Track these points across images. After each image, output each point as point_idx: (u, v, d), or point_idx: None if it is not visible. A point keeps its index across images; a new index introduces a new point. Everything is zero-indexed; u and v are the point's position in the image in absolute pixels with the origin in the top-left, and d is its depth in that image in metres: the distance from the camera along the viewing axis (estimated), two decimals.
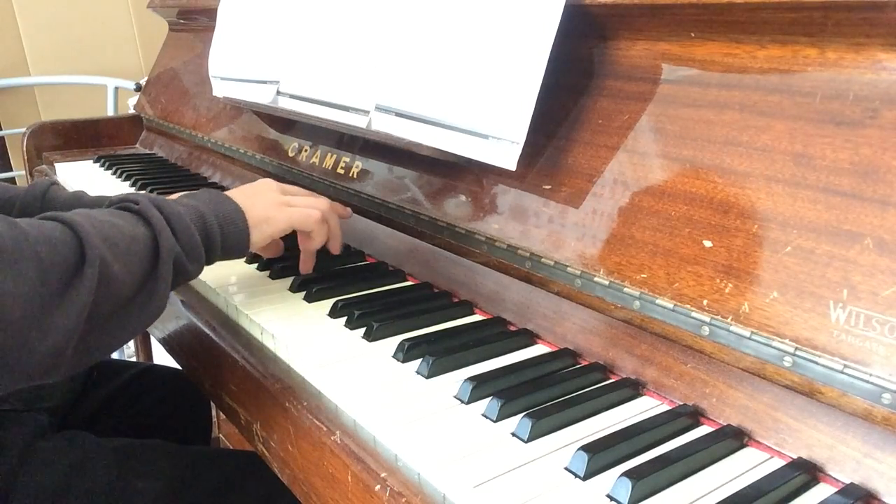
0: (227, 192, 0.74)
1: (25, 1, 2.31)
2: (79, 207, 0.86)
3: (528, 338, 0.69)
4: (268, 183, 0.79)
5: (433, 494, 0.49)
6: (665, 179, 0.61)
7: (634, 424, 0.55)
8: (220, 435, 1.68)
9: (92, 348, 0.56)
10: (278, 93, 1.02)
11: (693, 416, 0.57)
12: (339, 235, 0.82)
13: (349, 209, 0.87)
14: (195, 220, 0.67)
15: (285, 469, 0.63)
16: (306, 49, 0.99)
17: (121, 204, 0.65)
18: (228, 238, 0.70)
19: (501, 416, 0.56)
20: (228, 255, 0.71)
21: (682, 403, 0.58)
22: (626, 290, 0.60)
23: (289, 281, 0.80)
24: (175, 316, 0.81)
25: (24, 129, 1.48)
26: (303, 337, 0.68)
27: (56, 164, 1.40)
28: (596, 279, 0.62)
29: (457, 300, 0.77)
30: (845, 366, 0.48)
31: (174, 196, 0.88)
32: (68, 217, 0.56)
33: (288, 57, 1.02)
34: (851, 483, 0.49)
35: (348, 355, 0.65)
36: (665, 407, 0.59)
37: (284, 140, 1.08)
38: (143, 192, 0.67)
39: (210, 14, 1.28)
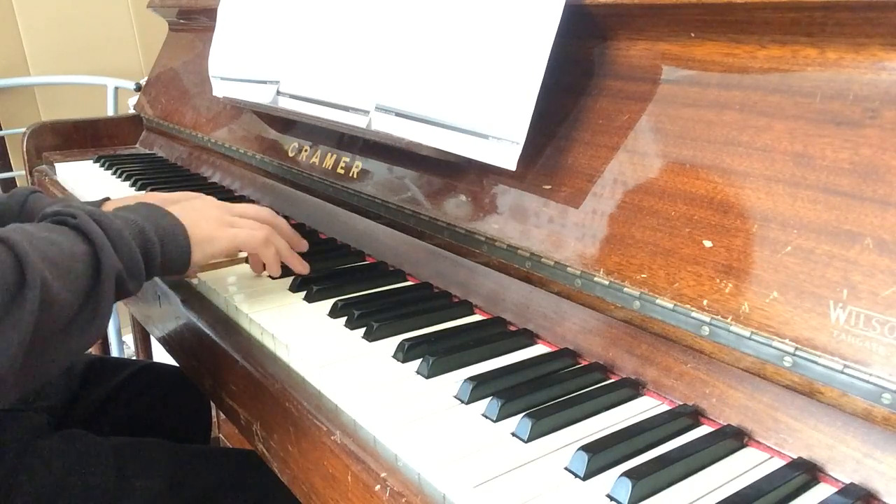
0: (169, 208, 0.70)
1: (25, 1, 2.31)
2: None
3: (528, 338, 0.69)
4: (212, 201, 0.76)
5: (433, 494, 0.49)
6: (665, 179, 0.61)
7: (634, 424, 0.55)
8: (220, 435, 1.68)
9: (33, 372, 0.53)
10: (278, 93, 1.02)
11: (693, 416, 0.57)
12: (294, 257, 0.78)
13: (304, 242, 0.83)
14: (135, 234, 0.63)
15: (285, 469, 0.63)
16: (306, 49, 0.99)
17: (57, 217, 0.61)
18: (169, 255, 0.66)
19: (501, 416, 0.56)
20: (167, 272, 0.68)
21: (682, 403, 0.58)
22: (626, 290, 0.60)
23: (289, 281, 0.80)
24: (175, 316, 0.81)
25: (24, 129, 1.48)
26: (303, 337, 0.68)
27: (56, 164, 1.39)
28: (596, 279, 0.62)
29: (457, 300, 0.77)
30: (845, 366, 0.48)
31: (111, 208, 0.85)
32: (4, 235, 0.53)
33: (288, 57, 1.02)
34: (851, 483, 0.49)
35: (348, 355, 0.65)
36: (665, 407, 0.59)
37: (284, 140, 1.08)
38: (79, 202, 0.63)
39: (210, 14, 1.28)
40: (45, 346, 0.54)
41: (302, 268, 0.79)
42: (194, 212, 0.72)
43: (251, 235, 0.74)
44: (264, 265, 0.81)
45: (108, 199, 0.88)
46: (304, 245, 0.83)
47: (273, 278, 0.81)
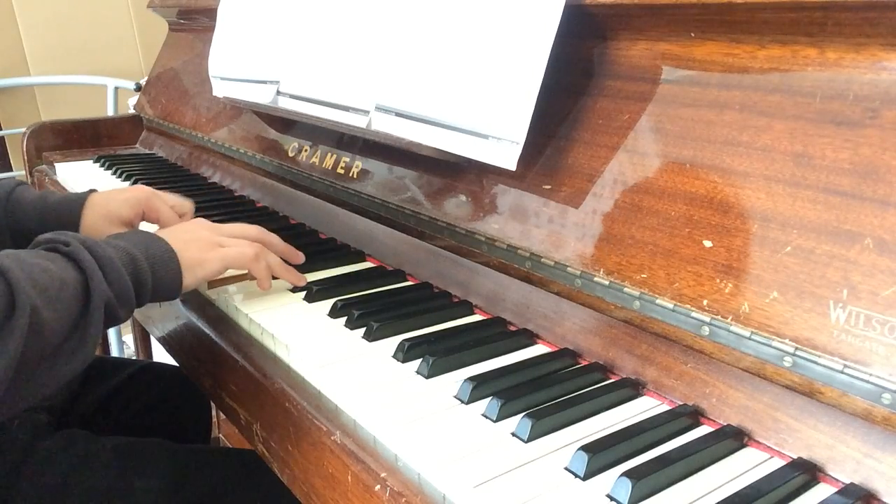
0: (158, 233, 0.71)
1: (25, 1, 2.31)
2: (44, 209, 0.86)
3: (528, 338, 0.69)
4: (201, 223, 0.77)
5: (433, 494, 0.49)
6: (665, 179, 0.61)
7: (634, 424, 0.55)
8: (220, 435, 1.68)
9: (20, 396, 0.54)
10: (278, 93, 1.02)
11: (693, 416, 0.57)
12: (288, 271, 0.78)
13: (300, 254, 0.83)
14: (126, 262, 0.64)
15: (285, 469, 0.63)
16: (306, 49, 0.99)
17: (50, 244, 0.62)
18: (160, 281, 0.67)
19: (501, 416, 0.56)
20: (159, 298, 0.68)
21: (682, 403, 0.58)
22: (626, 290, 0.60)
23: None
24: (175, 315, 0.81)
25: (24, 129, 1.48)
26: (303, 337, 0.68)
27: (56, 164, 1.40)
28: (596, 279, 0.62)
29: (457, 300, 0.77)
30: (845, 366, 0.48)
31: (97, 200, 0.87)
32: None
33: (288, 57, 1.02)
34: (851, 483, 0.49)
35: (348, 355, 0.65)
36: (665, 407, 0.59)
37: (284, 140, 1.08)
38: (72, 232, 0.64)
39: (210, 14, 1.28)
40: (32, 372, 0.54)
41: (297, 280, 0.79)
42: (184, 235, 0.72)
43: (241, 253, 0.74)
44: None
45: (93, 190, 0.89)
46: (299, 257, 0.83)
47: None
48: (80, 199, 0.87)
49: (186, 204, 0.92)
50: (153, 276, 0.66)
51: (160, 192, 0.90)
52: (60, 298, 0.56)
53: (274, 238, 0.80)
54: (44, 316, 0.54)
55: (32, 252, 0.61)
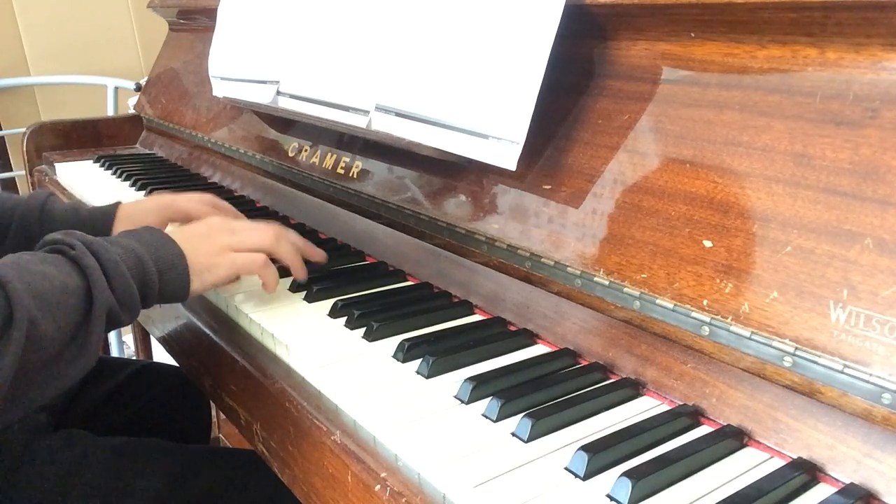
0: (171, 233, 0.70)
1: (25, 1, 2.31)
2: (76, 220, 0.87)
3: (528, 338, 0.69)
4: (214, 223, 0.75)
5: (433, 494, 0.49)
6: (665, 179, 0.61)
7: (634, 424, 0.55)
8: (220, 435, 1.68)
9: (18, 403, 0.54)
10: (278, 93, 1.02)
11: (693, 416, 0.57)
12: (297, 262, 0.78)
13: (322, 252, 0.83)
14: (133, 265, 0.63)
15: (285, 469, 0.63)
16: (306, 49, 0.99)
17: (56, 246, 0.62)
18: (167, 286, 0.66)
19: (501, 416, 0.56)
20: (165, 301, 0.68)
21: (682, 403, 0.58)
22: (626, 290, 0.60)
23: (289, 280, 0.80)
24: (175, 315, 0.81)
25: (24, 129, 1.48)
26: (303, 337, 0.68)
27: (56, 164, 1.39)
28: (596, 279, 0.62)
29: (457, 300, 0.77)
30: (845, 366, 0.48)
31: (124, 213, 0.89)
32: None
33: (288, 57, 1.02)
34: (851, 483, 0.49)
35: (348, 355, 0.65)
36: (665, 407, 0.59)
37: (284, 140, 1.08)
38: (79, 232, 0.64)
39: (210, 14, 1.28)
40: (31, 380, 0.54)
41: (301, 274, 0.78)
42: (196, 238, 0.71)
43: (250, 261, 0.73)
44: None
45: (119, 203, 0.90)
46: (318, 255, 0.82)
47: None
48: (111, 211, 0.89)
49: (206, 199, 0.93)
50: (160, 280, 0.65)
51: (178, 195, 0.91)
52: (60, 307, 0.56)
53: (293, 235, 0.80)
54: (42, 327, 0.53)
55: (37, 256, 0.60)
